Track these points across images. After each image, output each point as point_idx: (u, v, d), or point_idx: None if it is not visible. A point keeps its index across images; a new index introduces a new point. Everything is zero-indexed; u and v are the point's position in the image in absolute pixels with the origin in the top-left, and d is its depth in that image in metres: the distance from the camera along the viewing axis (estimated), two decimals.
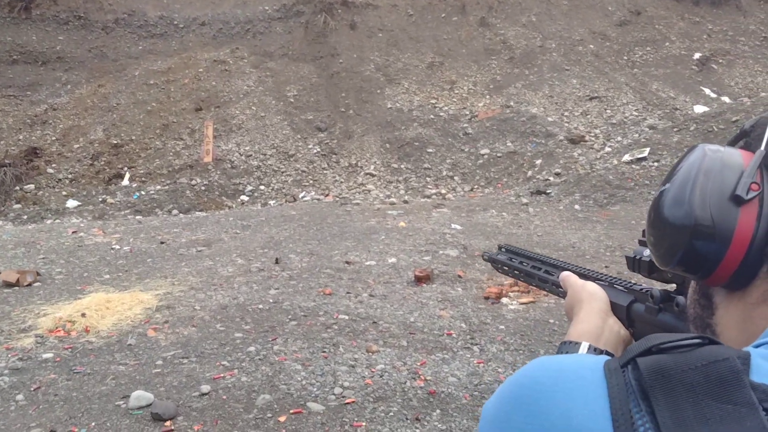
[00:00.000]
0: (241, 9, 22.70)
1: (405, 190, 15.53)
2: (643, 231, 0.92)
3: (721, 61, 21.41)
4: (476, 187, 15.48)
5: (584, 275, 1.06)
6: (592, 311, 0.93)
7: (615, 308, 0.95)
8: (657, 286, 0.90)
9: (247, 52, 21.31)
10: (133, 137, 17.68)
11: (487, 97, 19.38)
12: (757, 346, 0.55)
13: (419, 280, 7.17)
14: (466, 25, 22.27)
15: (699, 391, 0.46)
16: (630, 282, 0.97)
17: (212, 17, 22.50)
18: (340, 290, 6.86)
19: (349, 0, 22.21)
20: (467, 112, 18.49)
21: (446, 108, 18.75)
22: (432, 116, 18.31)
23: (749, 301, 0.64)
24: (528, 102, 18.60)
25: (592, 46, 21.50)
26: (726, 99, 18.86)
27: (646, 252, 0.90)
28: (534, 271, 1.23)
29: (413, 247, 8.82)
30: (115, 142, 17.48)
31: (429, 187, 15.65)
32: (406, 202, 13.87)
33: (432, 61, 20.85)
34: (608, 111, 18.11)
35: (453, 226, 10.34)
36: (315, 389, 4.30)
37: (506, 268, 1.34)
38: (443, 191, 15.15)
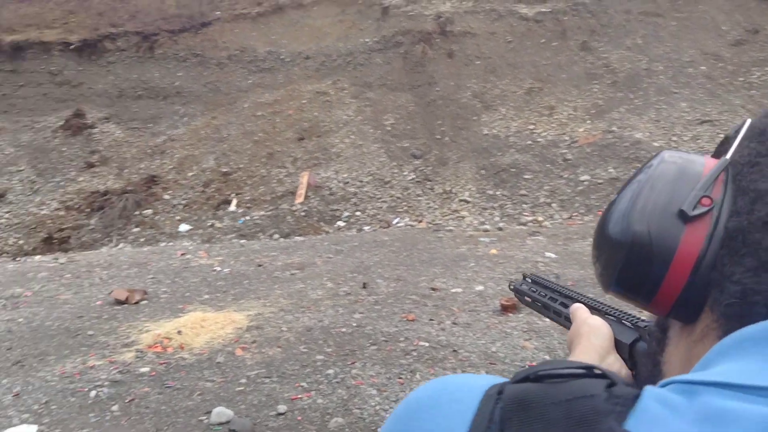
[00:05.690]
0: (343, 42, 23.55)
1: (500, 217, 15.29)
2: None
3: None
4: (575, 214, 14.97)
5: (594, 308, 0.99)
6: (590, 347, 0.87)
7: (618, 346, 0.88)
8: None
9: (348, 83, 22.02)
10: (241, 165, 18.71)
11: (588, 122, 18.78)
12: (665, 384, 0.47)
13: (505, 309, 7.01)
14: (567, 49, 21.81)
15: (555, 429, 0.41)
16: (639, 318, 0.89)
17: (316, 51, 23.50)
18: (424, 317, 6.85)
19: (447, 29, 22.45)
20: (566, 138, 18.00)
21: (544, 134, 18.36)
22: (529, 142, 18.00)
23: (692, 338, 0.55)
24: (632, 127, 17.84)
25: (703, 67, 20.34)
26: None
27: None
28: (550, 303, 1.15)
29: (502, 276, 8.65)
30: (225, 170, 18.57)
31: (525, 214, 15.31)
32: (500, 229, 13.66)
33: (530, 86, 20.55)
34: (721, 135, 16.93)
35: (547, 254, 10.05)
36: (388, 415, 4.31)
37: (528, 299, 1.26)
38: (540, 218, 14.77)
